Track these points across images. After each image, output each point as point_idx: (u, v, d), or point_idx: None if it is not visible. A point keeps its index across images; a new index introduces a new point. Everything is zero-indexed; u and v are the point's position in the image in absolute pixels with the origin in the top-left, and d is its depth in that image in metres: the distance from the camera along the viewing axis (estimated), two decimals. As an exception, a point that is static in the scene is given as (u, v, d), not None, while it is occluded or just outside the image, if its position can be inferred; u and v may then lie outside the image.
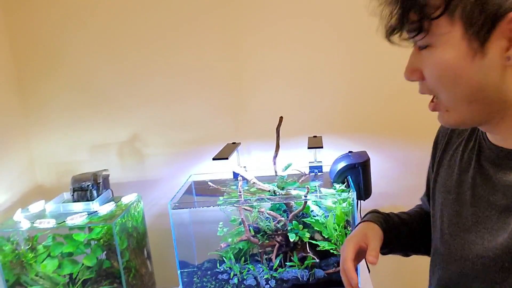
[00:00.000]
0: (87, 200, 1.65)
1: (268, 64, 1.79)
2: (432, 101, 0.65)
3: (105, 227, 1.58)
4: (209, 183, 1.71)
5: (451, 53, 0.56)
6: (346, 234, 1.53)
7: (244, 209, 1.59)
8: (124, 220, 1.64)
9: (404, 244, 0.92)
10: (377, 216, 0.90)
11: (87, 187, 1.70)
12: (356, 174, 1.57)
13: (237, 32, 1.78)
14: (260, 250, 1.63)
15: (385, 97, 1.78)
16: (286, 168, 1.71)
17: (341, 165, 1.58)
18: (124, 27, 1.81)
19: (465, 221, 0.67)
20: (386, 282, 2.00)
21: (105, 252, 1.62)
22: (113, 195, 1.79)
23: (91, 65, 1.86)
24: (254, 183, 1.57)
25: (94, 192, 1.71)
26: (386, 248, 0.88)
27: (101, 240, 1.61)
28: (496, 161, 0.64)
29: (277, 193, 1.54)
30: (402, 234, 0.90)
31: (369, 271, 1.63)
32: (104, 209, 1.64)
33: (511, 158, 0.62)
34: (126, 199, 1.74)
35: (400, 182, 1.86)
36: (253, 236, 1.59)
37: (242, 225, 1.60)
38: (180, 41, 1.81)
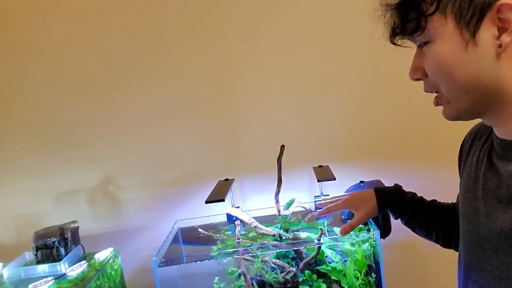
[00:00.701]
0: (54, 260, 1.44)
1: (263, 87, 1.63)
2: (435, 97, 0.69)
3: (77, 294, 1.30)
4: (199, 229, 1.48)
5: (446, 45, 0.61)
6: (369, 282, 1.29)
7: (245, 259, 1.34)
8: (99, 283, 1.37)
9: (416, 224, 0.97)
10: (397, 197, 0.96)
11: (52, 244, 1.48)
12: (373, 207, 1.34)
13: (227, 52, 1.61)
14: (266, 308, 1.36)
15: (396, 119, 1.62)
16: (289, 205, 1.49)
17: (355, 198, 1.35)
18: (91, 51, 1.62)
19: (479, 216, 0.69)
20: None
21: (78, 324, 1.33)
22: (84, 252, 1.55)
23: (52, 100, 1.65)
24: (255, 226, 1.32)
25: (62, 250, 1.50)
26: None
27: (72, 310, 1.32)
28: (502, 155, 0.67)
29: (283, 237, 1.30)
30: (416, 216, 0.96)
31: None
32: (75, 270, 1.41)
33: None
34: (100, 256, 1.50)
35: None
36: (257, 292, 1.33)
37: (242, 278, 1.34)
38: (158, 64, 1.62)
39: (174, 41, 1.59)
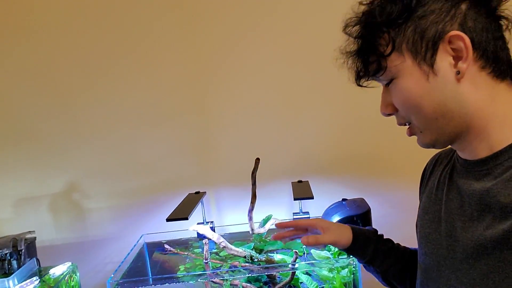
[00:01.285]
0: (4, 275, 1.31)
1: (241, 96, 1.53)
2: (408, 128, 0.72)
3: (23, 316, 1.17)
4: (166, 245, 1.35)
5: (408, 79, 0.64)
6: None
7: (212, 282, 1.21)
8: (51, 302, 1.23)
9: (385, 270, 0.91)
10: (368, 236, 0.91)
11: (4, 257, 1.35)
12: (355, 229, 1.23)
13: (205, 60, 1.52)
14: (235, 336, 1.24)
15: (380, 136, 1.52)
16: (265, 222, 1.37)
17: (336, 218, 1.26)
18: (59, 53, 1.51)
19: (439, 236, 0.70)
20: None
21: None
22: (39, 266, 1.41)
23: (14, 101, 1.53)
24: (224, 246, 1.20)
25: (14, 263, 1.38)
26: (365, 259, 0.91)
27: (18, 333, 1.19)
28: (464, 174, 0.68)
29: (255, 260, 1.18)
30: (386, 259, 0.90)
31: None
32: (24, 287, 1.25)
33: (476, 168, 0.65)
34: (56, 271, 1.38)
35: (401, 230, 1.55)
36: (225, 318, 1.21)
37: (210, 303, 1.22)
38: (131, 69, 1.51)
39: (150, 47, 1.50)
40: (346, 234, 0.87)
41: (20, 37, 1.49)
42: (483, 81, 0.63)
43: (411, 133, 0.71)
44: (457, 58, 0.61)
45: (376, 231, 0.93)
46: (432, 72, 0.62)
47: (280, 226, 0.93)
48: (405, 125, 0.72)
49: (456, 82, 0.62)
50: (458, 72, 0.61)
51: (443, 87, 0.62)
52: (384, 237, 0.93)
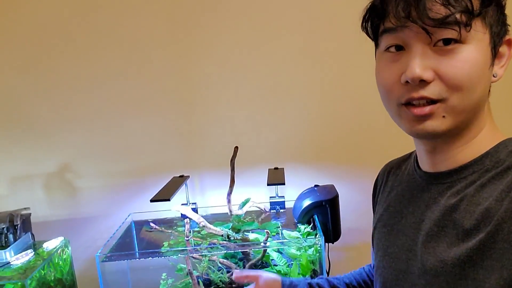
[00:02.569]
0: (1, 248, 1.39)
1: (223, 86, 1.59)
2: (424, 106, 0.58)
3: (18, 284, 1.27)
4: (151, 224, 1.46)
5: (481, 54, 0.57)
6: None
7: (192, 257, 1.33)
8: (44, 273, 1.35)
9: None
10: None
11: (1, 231, 1.43)
12: (324, 213, 1.36)
13: (189, 49, 1.56)
14: (211, 307, 1.37)
15: (352, 124, 1.61)
16: (244, 204, 1.48)
17: (307, 202, 1.37)
18: (52, 37, 1.56)
19: (397, 250, 0.68)
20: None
21: (19, 314, 1.31)
22: (34, 240, 1.50)
23: (9, 84, 1.58)
24: (203, 226, 1.31)
25: (10, 237, 1.45)
26: None
27: (14, 300, 1.30)
28: (425, 187, 0.66)
29: (232, 238, 1.29)
30: None
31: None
32: (20, 259, 1.37)
33: (439, 181, 0.63)
34: (49, 245, 1.47)
35: (370, 216, 1.67)
36: (203, 290, 1.33)
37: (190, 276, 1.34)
38: (120, 55, 1.56)
39: (136, 33, 1.54)
40: None
41: (7, 21, 1.53)
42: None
43: (430, 111, 0.57)
44: (499, 61, 0.59)
45: (309, 283, 0.95)
46: (492, 63, 0.58)
47: (237, 279, 1.02)
48: (426, 101, 0.57)
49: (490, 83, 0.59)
50: (495, 75, 0.59)
51: (488, 83, 0.59)
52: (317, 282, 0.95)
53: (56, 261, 1.43)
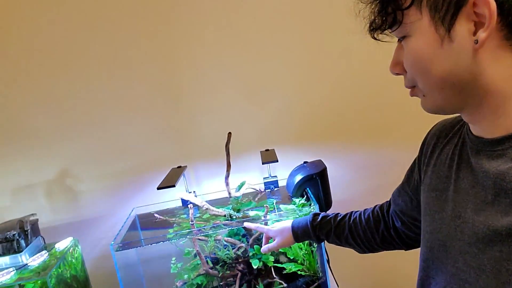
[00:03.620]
0: (15, 252, 1.44)
1: (210, 76, 1.65)
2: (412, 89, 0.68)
3: (39, 282, 1.35)
4: (155, 215, 1.55)
5: (422, 40, 0.59)
6: (312, 251, 1.42)
7: (199, 239, 1.43)
8: (60, 270, 1.42)
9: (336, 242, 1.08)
10: (313, 227, 1.08)
11: (12, 237, 1.48)
12: (315, 185, 1.47)
13: (178, 41, 1.61)
14: (221, 283, 1.47)
15: (334, 102, 1.71)
16: (240, 187, 1.58)
17: (298, 177, 1.48)
18: (43, 41, 1.59)
19: (446, 216, 0.67)
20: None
21: (41, 311, 1.38)
22: (45, 243, 1.57)
23: (6, 92, 1.62)
24: (206, 208, 1.41)
25: (22, 242, 1.51)
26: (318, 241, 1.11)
27: (35, 298, 1.37)
28: (476, 153, 0.64)
29: (234, 217, 1.40)
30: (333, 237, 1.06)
31: (337, 286, 1.52)
32: (36, 260, 1.44)
33: (490, 148, 0.61)
34: (60, 245, 1.53)
35: (357, 186, 1.80)
36: (211, 268, 1.43)
37: (198, 257, 1.43)
38: (111, 54, 1.61)
39: (124, 31, 1.59)
40: (288, 238, 1.11)
41: (1, 31, 1.56)
42: (503, 53, 0.56)
43: (412, 94, 0.67)
44: (478, 24, 0.55)
45: (314, 219, 1.08)
46: (448, 37, 0.56)
47: (248, 226, 1.29)
48: (411, 88, 0.67)
49: (473, 52, 0.56)
50: (476, 42, 0.55)
51: (457, 56, 0.57)
52: (327, 218, 1.07)
53: (69, 260, 1.50)
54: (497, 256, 0.56)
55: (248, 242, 1.42)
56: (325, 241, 1.10)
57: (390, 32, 0.64)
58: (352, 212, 1.08)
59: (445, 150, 0.73)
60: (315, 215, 1.10)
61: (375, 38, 0.66)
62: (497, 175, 0.58)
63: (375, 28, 0.64)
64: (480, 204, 0.61)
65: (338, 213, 1.09)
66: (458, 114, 0.73)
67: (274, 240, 1.15)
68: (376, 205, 1.05)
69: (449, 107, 0.64)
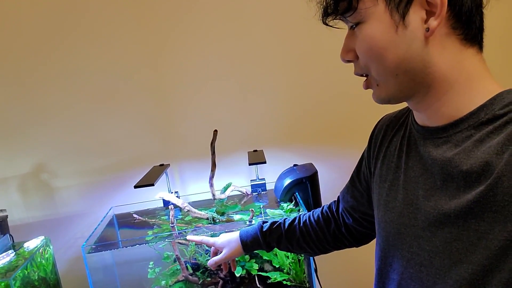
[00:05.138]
0: None
1: (197, 72, 1.59)
2: (365, 80, 0.67)
3: (2, 284, 1.24)
4: (134, 215, 1.46)
5: (376, 26, 0.60)
6: (299, 260, 1.33)
7: (179, 243, 1.34)
8: (27, 272, 1.32)
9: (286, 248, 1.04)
10: (256, 236, 1.02)
11: None
12: (304, 189, 1.40)
13: (163, 37, 1.56)
14: (201, 290, 1.37)
15: (326, 105, 1.65)
16: (226, 189, 1.50)
17: (287, 181, 1.40)
18: (18, 33, 1.52)
19: (399, 204, 0.69)
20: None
21: (4, 315, 1.28)
22: (13, 241, 1.46)
23: None
24: (188, 210, 1.32)
25: None
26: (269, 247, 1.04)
27: (-3, 301, 1.27)
28: (423, 142, 0.66)
29: (217, 220, 1.31)
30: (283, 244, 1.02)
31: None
32: (0, 260, 1.34)
33: (435, 135, 0.64)
34: (30, 245, 1.44)
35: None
36: (191, 275, 1.35)
37: (177, 262, 1.34)
38: (92, 48, 1.54)
39: (108, 25, 1.53)
40: (237, 248, 1.04)
41: None
42: (451, 43, 0.60)
43: (367, 86, 0.68)
44: (430, 13, 0.57)
45: (262, 226, 1.03)
46: (403, 24, 0.58)
47: (192, 240, 1.16)
48: (362, 76, 0.67)
49: (424, 40, 0.58)
50: (427, 29, 0.58)
51: (410, 43, 0.59)
52: (276, 224, 1.03)
53: (39, 260, 1.40)
54: (448, 237, 0.59)
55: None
56: (276, 248, 1.05)
57: (343, 18, 0.64)
58: (300, 215, 1.05)
59: (393, 141, 0.76)
60: (264, 222, 1.05)
61: (326, 25, 0.66)
62: (443, 162, 0.61)
63: (329, 14, 0.64)
64: (430, 190, 0.63)
65: (286, 218, 1.06)
66: (403, 107, 0.78)
67: (221, 252, 1.07)
68: (323, 206, 1.04)
69: (400, 95, 0.65)
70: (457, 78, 0.60)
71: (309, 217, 1.02)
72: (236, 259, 1.32)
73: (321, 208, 1.04)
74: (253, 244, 1.03)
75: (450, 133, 0.62)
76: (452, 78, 0.60)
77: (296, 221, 1.03)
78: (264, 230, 1.02)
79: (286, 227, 1.01)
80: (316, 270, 1.38)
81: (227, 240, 1.06)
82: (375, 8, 0.59)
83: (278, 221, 1.04)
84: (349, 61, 0.67)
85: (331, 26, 0.67)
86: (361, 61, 0.64)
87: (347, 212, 0.95)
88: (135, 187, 1.26)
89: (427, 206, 0.63)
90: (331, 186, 1.67)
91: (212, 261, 1.08)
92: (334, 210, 1.00)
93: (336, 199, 1.02)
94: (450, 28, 0.59)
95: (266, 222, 1.05)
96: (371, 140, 0.84)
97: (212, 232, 1.31)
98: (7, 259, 1.34)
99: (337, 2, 0.62)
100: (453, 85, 0.60)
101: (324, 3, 0.64)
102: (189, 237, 1.15)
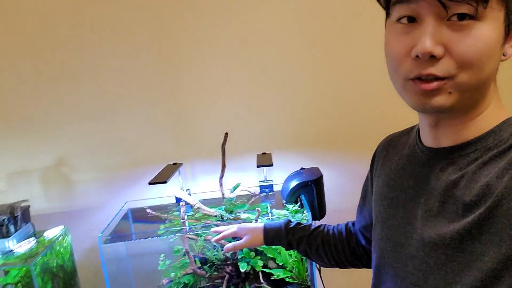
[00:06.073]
0: (3, 237, 1.45)
1: (211, 76, 1.65)
2: (431, 81, 0.57)
3: (23, 269, 1.34)
4: (148, 210, 1.53)
5: (495, 32, 0.56)
6: (302, 259, 1.40)
7: (189, 238, 1.42)
8: (46, 259, 1.41)
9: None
10: (285, 233, 1.03)
11: (2, 222, 1.47)
12: (310, 192, 1.46)
13: (174, 36, 1.61)
14: (208, 284, 1.45)
15: (336, 111, 1.70)
16: (234, 189, 1.57)
17: (293, 183, 1.46)
18: (41, 31, 1.60)
19: (396, 222, 0.69)
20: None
21: (24, 298, 1.37)
22: (34, 230, 1.56)
23: (4, 79, 1.62)
24: (198, 208, 1.40)
25: (11, 227, 1.49)
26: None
27: (19, 284, 1.37)
28: (426, 163, 0.66)
29: (225, 218, 1.38)
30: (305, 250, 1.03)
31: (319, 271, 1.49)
32: (23, 247, 1.43)
33: (440, 157, 0.63)
34: (50, 233, 1.53)
35: (354, 197, 1.76)
36: (199, 268, 1.42)
37: (186, 256, 1.42)
38: (110, 49, 1.62)
39: (124, 26, 1.59)
40: (258, 238, 1.05)
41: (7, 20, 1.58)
42: None
43: (437, 86, 0.56)
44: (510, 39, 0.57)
45: (288, 223, 1.05)
46: (507, 40, 0.57)
47: (216, 241, 1.15)
48: (432, 78, 0.56)
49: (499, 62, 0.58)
50: (505, 54, 0.58)
51: (498, 61, 0.58)
52: (301, 225, 1.04)
53: (58, 249, 1.49)
54: (443, 258, 0.59)
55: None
56: (295, 248, 1.06)
57: (465, 2, 0.53)
58: (325, 224, 1.06)
59: (394, 160, 0.75)
60: (289, 221, 1.07)
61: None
62: (446, 184, 0.60)
63: None
64: (429, 211, 0.63)
65: (311, 223, 1.08)
66: (405, 128, 0.78)
67: (242, 239, 1.09)
68: (348, 221, 1.04)
69: (464, 107, 0.59)
70: (487, 105, 0.60)
71: (333, 228, 1.03)
72: (242, 255, 1.40)
73: (346, 222, 1.04)
74: (274, 237, 1.04)
75: (456, 155, 0.61)
76: (486, 103, 0.60)
77: (321, 228, 1.03)
78: (289, 227, 1.03)
79: (310, 231, 1.02)
80: (319, 269, 1.45)
81: (251, 228, 1.08)
82: (498, 14, 0.55)
83: (303, 224, 1.05)
84: (432, 56, 0.55)
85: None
86: (455, 60, 0.55)
87: (360, 232, 0.95)
88: (150, 183, 1.34)
89: (425, 227, 0.62)
90: (336, 191, 1.73)
91: (231, 245, 1.08)
92: (352, 228, 1.01)
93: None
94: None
95: (291, 221, 1.06)
96: (374, 159, 0.84)
97: (220, 229, 1.38)
98: (29, 246, 1.43)
99: None
100: (482, 108, 0.60)
101: None
102: (213, 229, 1.19)
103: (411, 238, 0.65)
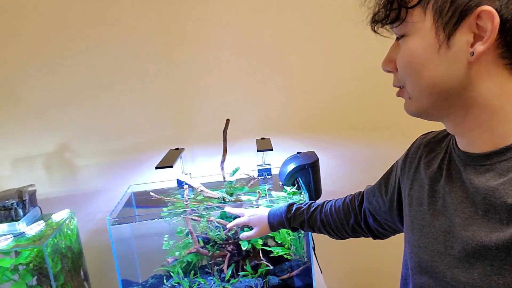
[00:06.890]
0: (12, 220, 1.49)
1: (211, 62, 1.69)
2: (399, 90, 0.68)
3: (35, 250, 1.40)
4: (151, 193, 1.60)
5: (420, 42, 0.59)
6: (299, 237, 1.48)
7: (192, 219, 1.49)
8: (56, 240, 1.47)
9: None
10: (287, 218, 1.14)
11: (11, 206, 1.52)
12: (306, 175, 1.53)
13: (175, 24, 1.64)
14: (210, 262, 1.53)
15: (331, 97, 1.76)
16: (234, 172, 1.63)
17: (291, 167, 1.53)
18: (45, 19, 1.62)
19: (434, 230, 0.68)
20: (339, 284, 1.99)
21: (35, 278, 1.44)
22: (41, 213, 1.61)
23: (7, 66, 1.65)
24: (201, 190, 1.47)
25: (20, 211, 1.54)
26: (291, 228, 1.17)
27: (30, 265, 1.43)
28: (463, 168, 0.65)
29: (227, 200, 1.45)
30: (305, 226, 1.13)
31: (321, 271, 1.59)
32: (33, 229, 1.48)
33: (478, 162, 0.62)
34: (57, 217, 1.57)
35: (348, 179, 1.86)
36: (202, 247, 1.49)
37: (189, 236, 1.49)
38: (112, 34, 1.64)
39: (126, 13, 1.61)
40: (266, 227, 1.20)
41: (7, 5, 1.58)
42: (498, 71, 0.56)
43: (399, 94, 0.68)
44: (478, 37, 0.55)
45: (289, 208, 1.15)
46: (447, 44, 0.57)
47: (230, 228, 1.36)
48: (399, 87, 0.68)
49: (467, 64, 0.56)
50: (472, 54, 0.55)
51: (450, 64, 0.57)
52: (300, 210, 1.13)
53: (65, 231, 1.56)
54: (488, 270, 0.56)
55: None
56: (297, 229, 1.18)
57: (390, 28, 0.64)
58: (324, 202, 1.13)
59: (431, 164, 0.74)
60: (290, 206, 1.16)
61: (374, 31, 0.66)
62: (486, 191, 0.58)
63: (376, 21, 0.63)
64: (469, 219, 0.61)
65: (312, 203, 1.15)
66: (443, 129, 0.76)
67: (253, 228, 1.25)
68: (346, 197, 1.09)
69: (432, 114, 0.64)
70: (503, 106, 0.58)
71: (331, 206, 1.09)
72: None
73: (343, 198, 1.09)
74: (279, 225, 1.18)
75: (494, 161, 0.59)
76: (497, 105, 0.58)
77: (318, 209, 1.11)
78: (289, 216, 1.14)
79: (309, 214, 1.11)
80: (314, 248, 1.54)
81: (259, 218, 1.22)
82: (422, 24, 0.58)
83: (302, 207, 1.13)
84: (389, 71, 0.68)
85: (378, 33, 0.66)
86: (399, 73, 0.65)
87: (369, 212, 0.98)
88: (157, 168, 1.40)
89: (465, 236, 0.60)
90: (331, 174, 1.82)
91: (244, 235, 1.27)
92: (356, 204, 1.04)
93: (358, 193, 1.06)
94: (499, 56, 0.56)
95: (292, 205, 1.16)
96: (406, 158, 0.83)
97: (222, 211, 1.46)
98: (38, 228, 1.49)
99: (386, 11, 0.61)
100: (498, 112, 0.58)
101: (375, 9, 0.63)
102: (227, 208, 1.36)
103: (451, 247, 0.63)
